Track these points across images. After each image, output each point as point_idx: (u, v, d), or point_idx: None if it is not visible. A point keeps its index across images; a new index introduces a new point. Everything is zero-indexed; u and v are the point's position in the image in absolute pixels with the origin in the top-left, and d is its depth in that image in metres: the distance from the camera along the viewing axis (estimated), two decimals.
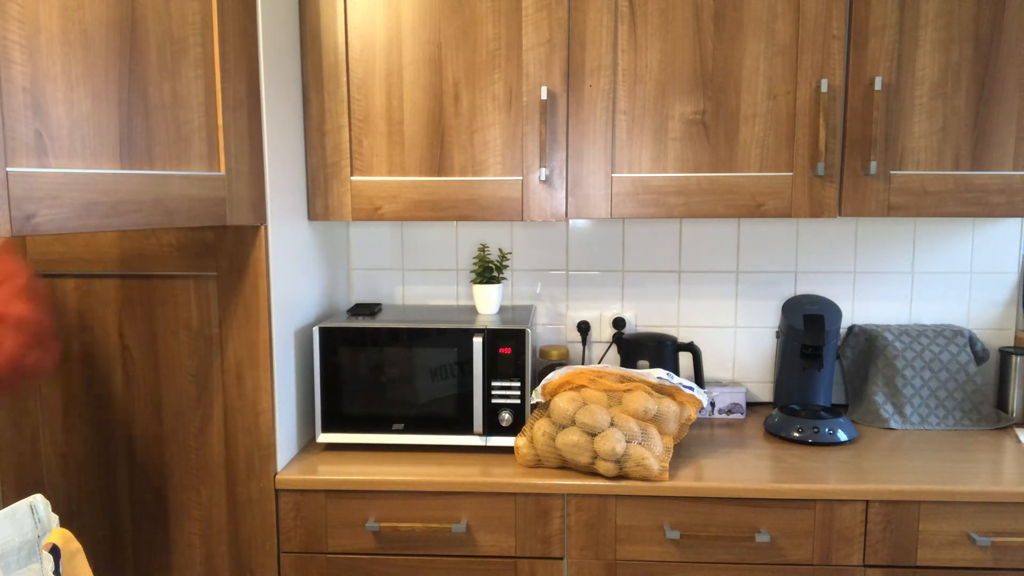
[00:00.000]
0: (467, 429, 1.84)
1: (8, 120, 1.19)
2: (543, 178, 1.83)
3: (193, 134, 1.48)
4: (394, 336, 1.84)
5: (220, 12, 1.53)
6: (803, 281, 2.23)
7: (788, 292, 2.23)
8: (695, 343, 2.17)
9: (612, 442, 1.66)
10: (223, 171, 1.55)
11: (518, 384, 1.82)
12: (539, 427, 1.74)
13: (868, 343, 2.14)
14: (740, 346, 2.26)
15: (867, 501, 1.65)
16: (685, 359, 2.24)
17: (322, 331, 1.84)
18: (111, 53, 1.33)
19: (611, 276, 2.25)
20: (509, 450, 1.87)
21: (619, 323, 2.24)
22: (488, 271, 2.09)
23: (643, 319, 2.26)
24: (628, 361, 2.11)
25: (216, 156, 1.55)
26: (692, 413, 1.79)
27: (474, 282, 2.08)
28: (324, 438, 1.86)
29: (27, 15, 1.21)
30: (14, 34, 1.19)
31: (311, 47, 1.87)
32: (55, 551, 0.84)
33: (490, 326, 1.84)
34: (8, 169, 1.19)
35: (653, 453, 1.69)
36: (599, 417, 1.69)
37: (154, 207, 1.41)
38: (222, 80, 1.54)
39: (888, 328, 2.14)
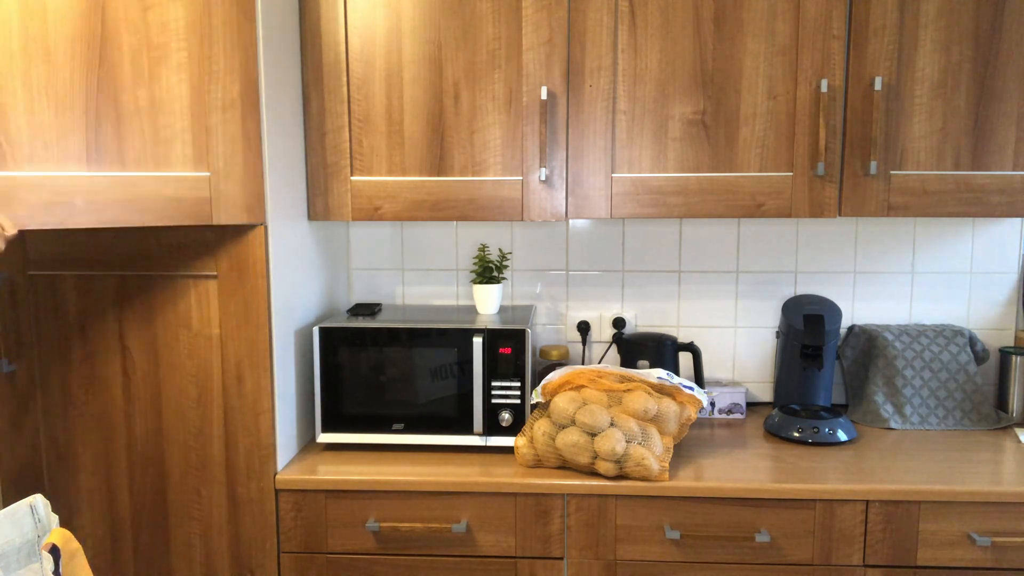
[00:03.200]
0: (467, 429, 1.84)
1: None
2: (543, 178, 1.83)
3: (175, 137, 1.54)
4: (394, 336, 1.84)
5: (208, 16, 1.55)
6: (803, 281, 2.23)
7: (788, 292, 2.23)
8: (695, 343, 2.17)
9: (612, 442, 1.66)
10: (208, 172, 1.59)
11: (518, 384, 1.82)
12: (539, 427, 1.74)
13: (868, 343, 2.14)
14: (740, 346, 2.26)
15: (867, 501, 1.65)
16: (685, 359, 2.24)
17: (322, 331, 1.84)
18: (76, 66, 1.45)
19: (611, 276, 2.26)
20: (509, 450, 1.87)
21: (619, 323, 2.24)
22: (488, 271, 2.09)
23: (643, 319, 2.26)
24: (628, 361, 2.11)
25: (203, 157, 1.58)
26: (692, 413, 1.79)
27: (474, 282, 2.08)
28: (324, 438, 1.86)
29: None
30: None
31: (311, 47, 1.87)
32: (55, 551, 0.84)
33: (490, 326, 1.84)
34: None
35: (653, 453, 1.69)
36: (599, 417, 1.69)
37: (123, 206, 1.50)
38: (209, 83, 1.56)
39: (888, 328, 2.14)
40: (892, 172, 1.82)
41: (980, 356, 2.10)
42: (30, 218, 1.43)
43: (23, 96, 1.41)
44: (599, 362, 2.27)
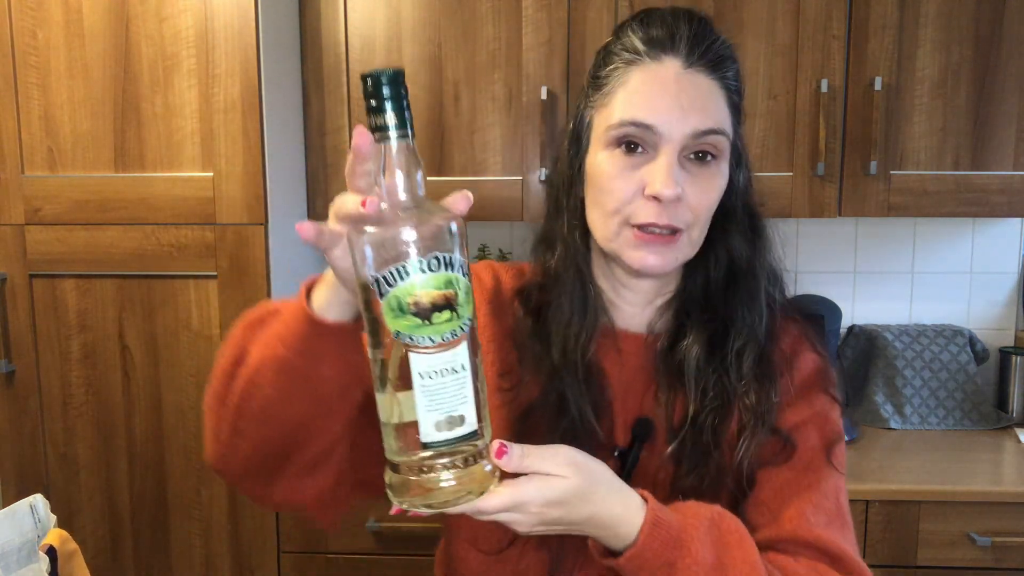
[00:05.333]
0: None
1: (27, 140, 1.67)
2: (543, 178, 1.83)
3: (186, 140, 1.64)
4: None
5: (211, 20, 1.60)
6: (803, 281, 2.22)
7: (788, 292, 2.22)
8: None
9: None
10: (212, 172, 1.64)
11: None
12: None
13: (868, 343, 2.14)
14: None
15: (867, 501, 1.65)
16: None
17: None
18: (107, 79, 1.65)
19: None
20: None
21: None
22: None
23: None
24: None
25: (209, 158, 1.64)
26: None
27: None
28: None
29: (41, 62, 1.65)
30: (32, 78, 1.65)
31: (311, 47, 1.86)
32: (51, 552, 0.84)
33: None
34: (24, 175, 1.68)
35: None
36: None
37: (139, 205, 1.67)
38: (213, 86, 1.62)
39: (888, 328, 2.13)
40: (892, 172, 1.82)
41: (980, 356, 2.10)
42: (66, 214, 1.69)
43: (68, 108, 1.66)
44: None
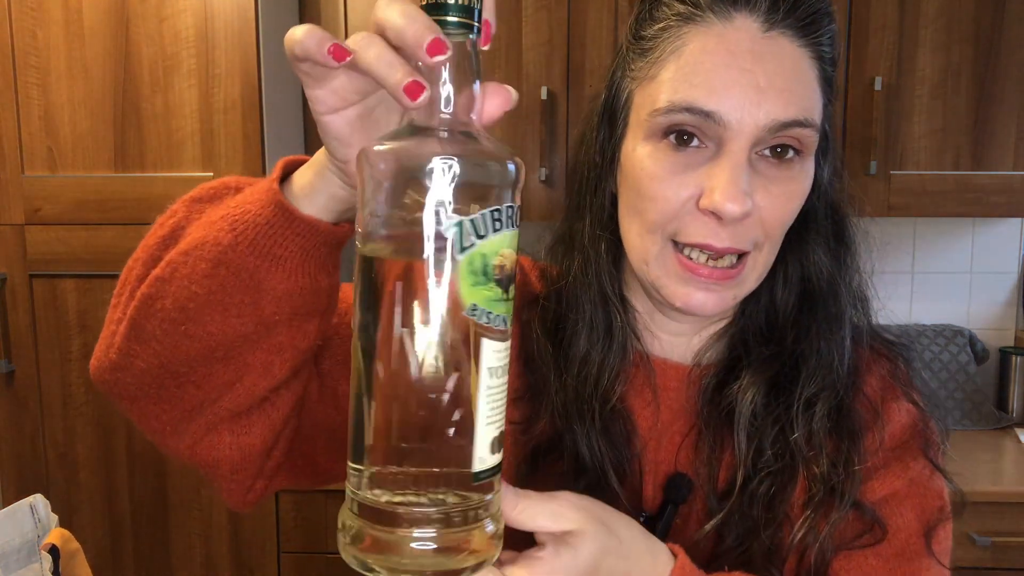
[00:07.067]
0: None
1: (27, 140, 1.67)
2: (543, 178, 1.83)
3: (186, 139, 1.66)
4: None
5: (211, 20, 1.61)
6: None
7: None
8: None
9: None
10: (212, 172, 1.65)
11: None
12: None
13: None
14: None
15: None
16: None
17: None
18: (107, 79, 1.65)
19: None
20: None
21: None
22: None
23: None
24: None
25: (209, 157, 1.66)
26: None
27: None
28: None
29: (41, 62, 1.65)
30: (32, 78, 1.65)
31: None
32: (54, 551, 0.84)
33: None
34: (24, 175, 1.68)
35: None
36: None
37: (138, 205, 1.68)
38: (213, 86, 1.63)
39: (888, 328, 2.13)
40: (892, 172, 1.82)
41: (980, 356, 2.10)
42: (69, 213, 1.69)
43: (68, 108, 1.66)
44: None
